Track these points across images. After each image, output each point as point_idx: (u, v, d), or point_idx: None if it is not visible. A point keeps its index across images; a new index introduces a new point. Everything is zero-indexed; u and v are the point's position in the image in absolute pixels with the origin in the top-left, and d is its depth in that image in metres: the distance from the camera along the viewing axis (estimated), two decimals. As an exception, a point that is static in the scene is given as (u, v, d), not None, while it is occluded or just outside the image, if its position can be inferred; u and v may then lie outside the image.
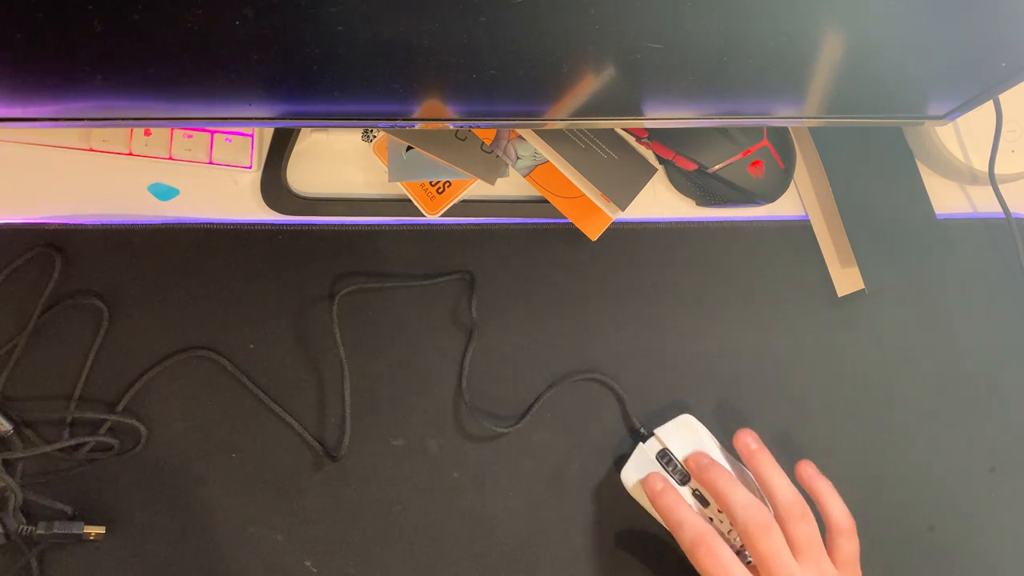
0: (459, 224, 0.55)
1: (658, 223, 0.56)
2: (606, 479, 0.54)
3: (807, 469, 0.51)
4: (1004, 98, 0.54)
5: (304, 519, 0.53)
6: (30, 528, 0.50)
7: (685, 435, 0.52)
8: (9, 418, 0.52)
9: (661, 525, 0.53)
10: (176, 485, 0.53)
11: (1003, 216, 0.56)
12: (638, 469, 0.52)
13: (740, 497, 0.48)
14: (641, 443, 0.53)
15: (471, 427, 0.54)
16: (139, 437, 0.53)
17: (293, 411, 0.53)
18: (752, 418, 0.54)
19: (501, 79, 0.40)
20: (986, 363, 0.57)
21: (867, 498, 0.54)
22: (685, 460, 0.52)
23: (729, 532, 0.50)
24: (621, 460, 0.53)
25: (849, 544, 0.49)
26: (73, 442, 0.51)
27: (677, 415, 0.53)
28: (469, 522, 0.53)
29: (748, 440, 0.51)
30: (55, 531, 0.50)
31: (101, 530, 0.51)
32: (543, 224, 0.56)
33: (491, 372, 0.55)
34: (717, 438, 0.53)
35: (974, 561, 0.55)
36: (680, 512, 0.49)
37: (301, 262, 0.54)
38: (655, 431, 0.53)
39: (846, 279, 0.56)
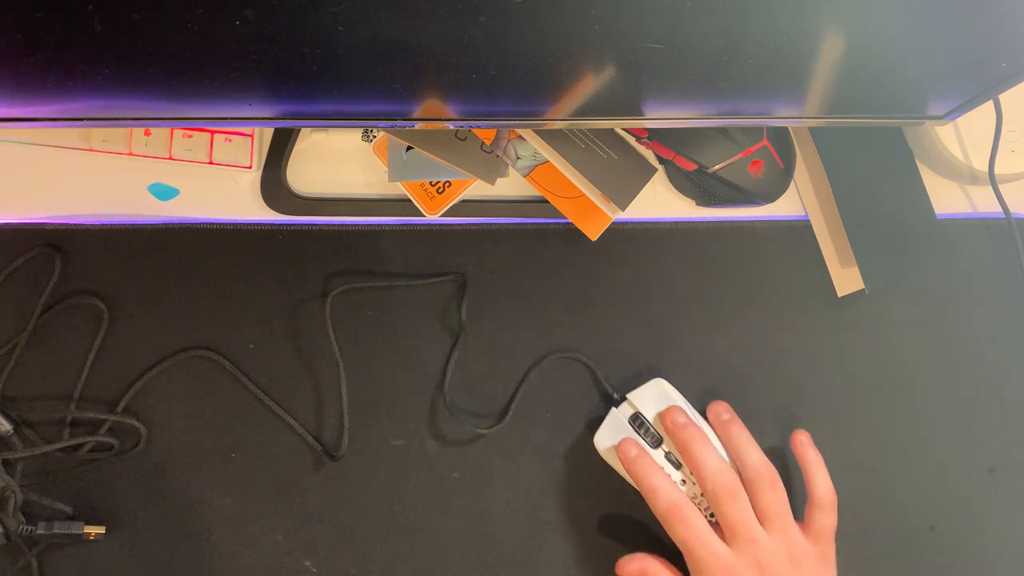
0: (459, 224, 0.55)
1: (658, 223, 0.56)
2: (606, 477, 0.54)
3: (801, 438, 0.52)
4: (1004, 98, 0.54)
5: (304, 519, 0.53)
6: (30, 528, 0.50)
7: (658, 399, 0.53)
8: (9, 418, 0.52)
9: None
10: (176, 485, 0.53)
11: (1003, 216, 0.56)
12: (611, 434, 0.53)
13: (711, 460, 0.49)
14: (614, 408, 0.53)
15: (471, 427, 0.54)
16: (139, 437, 0.53)
17: (293, 411, 0.53)
18: (751, 417, 0.54)
19: (501, 79, 0.40)
20: (986, 363, 0.57)
21: (867, 498, 0.54)
22: (661, 416, 0.52)
23: (700, 495, 0.50)
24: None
25: (827, 519, 0.50)
26: (73, 442, 0.51)
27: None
28: (469, 522, 0.53)
29: (720, 411, 0.53)
30: (55, 531, 0.50)
31: (101, 530, 0.51)
32: (543, 224, 0.56)
33: (488, 372, 0.54)
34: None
35: (974, 561, 0.55)
36: (653, 478, 0.50)
37: (301, 262, 0.54)
38: (627, 395, 0.53)
39: (846, 279, 0.56)
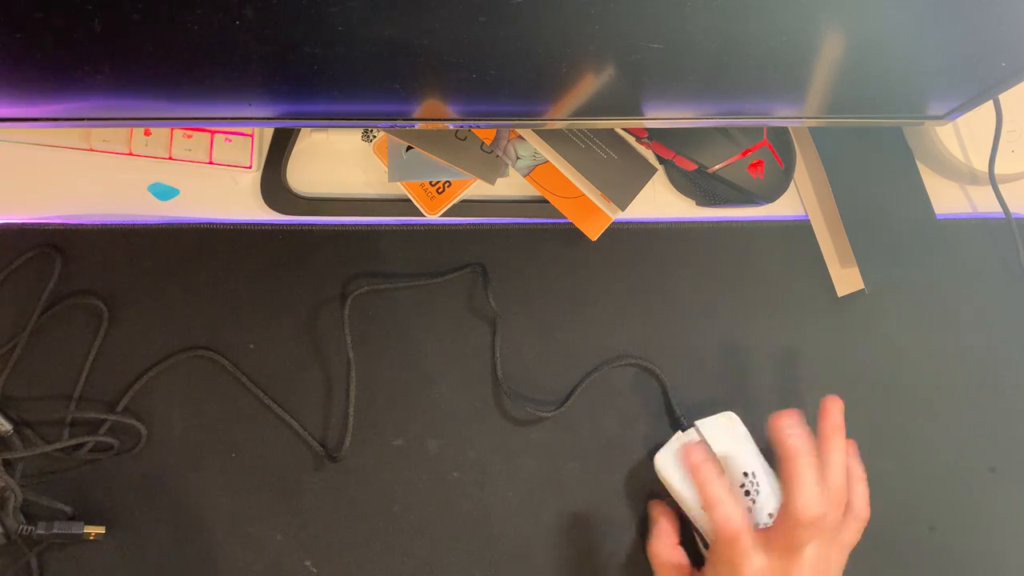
0: (459, 224, 0.55)
1: (658, 223, 0.56)
2: (605, 478, 0.54)
3: (850, 448, 0.50)
4: (1004, 98, 0.54)
5: (304, 519, 0.53)
6: (30, 528, 0.50)
7: (727, 434, 0.51)
8: (9, 418, 0.52)
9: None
10: (176, 485, 0.53)
11: (1003, 216, 0.56)
12: (675, 457, 0.51)
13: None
14: (680, 431, 0.53)
15: (471, 427, 0.54)
16: (139, 437, 0.53)
17: (293, 411, 0.53)
18: (752, 418, 0.53)
19: (501, 79, 0.40)
20: (986, 363, 0.57)
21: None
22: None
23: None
24: (617, 456, 0.54)
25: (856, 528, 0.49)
26: (73, 442, 0.51)
27: (687, 415, 0.53)
28: (469, 522, 0.53)
29: (792, 427, 0.48)
30: (55, 531, 0.50)
31: (101, 530, 0.51)
32: (543, 224, 0.56)
33: (487, 370, 0.54)
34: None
35: (974, 561, 0.55)
36: (717, 489, 0.47)
37: (301, 262, 0.54)
38: (697, 423, 0.52)
39: (846, 279, 0.56)
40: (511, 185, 0.56)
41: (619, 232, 0.55)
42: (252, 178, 0.55)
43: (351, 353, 0.53)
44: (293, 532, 0.53)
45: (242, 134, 0.54)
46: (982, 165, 0.55)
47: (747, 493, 0.49)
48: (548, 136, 0.52)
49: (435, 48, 0.37)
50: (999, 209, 0.56)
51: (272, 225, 0.55)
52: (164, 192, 0.55)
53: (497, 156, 0.53)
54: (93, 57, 0.36)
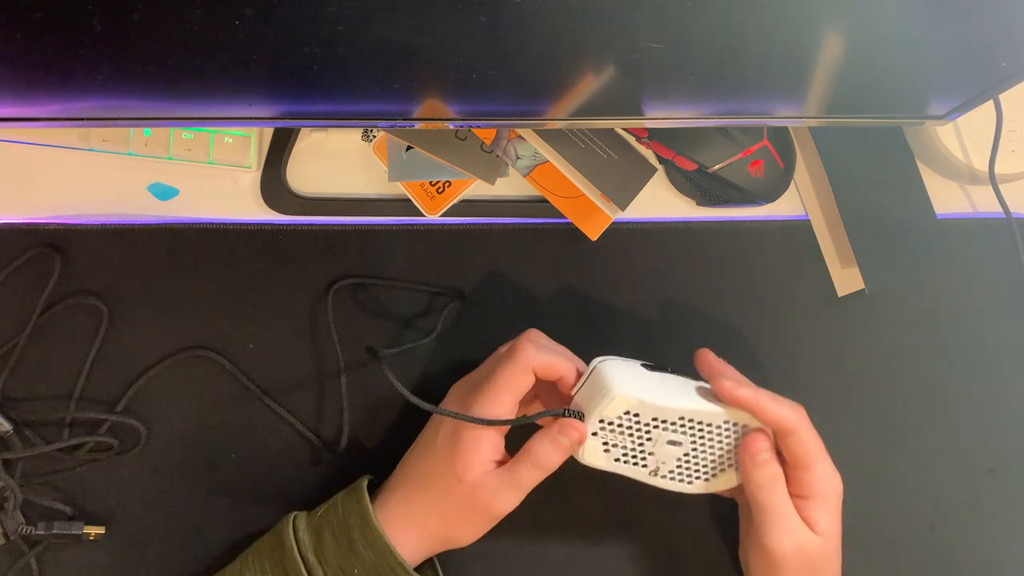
0: (459, 224, 0.55)
1: (658, 223, 0.56)
2: (605, 478, 0.54)
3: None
4: (1004, 98, 0.54)
5: (304, 519, 0.53)
6: (30, 528, 0.50)
7: (602, 390, 0.45)
8: (9, 418, 0.52)
9: (663, 523, 0.53)
10: (176, 485, 0.53)
11: (1003, 216, 0.56)
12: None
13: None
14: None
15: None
16: (139, 437, 0.52)
17: (293, 411, 0.53)
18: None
19: (501, 79, 0.40)
20: (986, 363, 0.57)
21: (867, 498, 0.54)
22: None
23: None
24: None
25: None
26: (73, 442, 0.51)
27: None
28: (469, 522, 0.53)
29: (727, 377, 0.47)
30: (55, 531, 0.50)
31: (101, 530, 0.51)
32: (543, 224, 0.56)
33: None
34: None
35: (974, 561, 0.55)
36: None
37: (301, 262, 0.54)
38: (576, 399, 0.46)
39: (846, 279, 0.56)
40: (511, 185, 0.56)
41: (619, 232, 0.55)
42: (252, 178, 0.55)
43: (338, 347, 0.53)
44: (293, 532, 0.53)
45: (242, 134, 0.54)
46: (982, 165, 0.55)
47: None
48: (548, 136, 0.52)
49: (435, 48, 0.37)
50: (999, 209, 0.56)
51: (272, 225, 0.55)
52: (164, 192, 0.55)
53: (497, 156, 0.53)
54: (93, 57, 0.36)
